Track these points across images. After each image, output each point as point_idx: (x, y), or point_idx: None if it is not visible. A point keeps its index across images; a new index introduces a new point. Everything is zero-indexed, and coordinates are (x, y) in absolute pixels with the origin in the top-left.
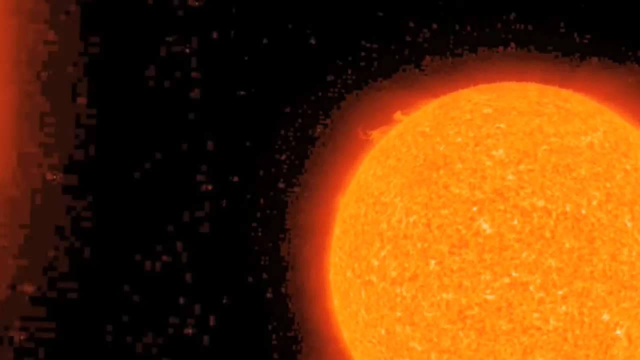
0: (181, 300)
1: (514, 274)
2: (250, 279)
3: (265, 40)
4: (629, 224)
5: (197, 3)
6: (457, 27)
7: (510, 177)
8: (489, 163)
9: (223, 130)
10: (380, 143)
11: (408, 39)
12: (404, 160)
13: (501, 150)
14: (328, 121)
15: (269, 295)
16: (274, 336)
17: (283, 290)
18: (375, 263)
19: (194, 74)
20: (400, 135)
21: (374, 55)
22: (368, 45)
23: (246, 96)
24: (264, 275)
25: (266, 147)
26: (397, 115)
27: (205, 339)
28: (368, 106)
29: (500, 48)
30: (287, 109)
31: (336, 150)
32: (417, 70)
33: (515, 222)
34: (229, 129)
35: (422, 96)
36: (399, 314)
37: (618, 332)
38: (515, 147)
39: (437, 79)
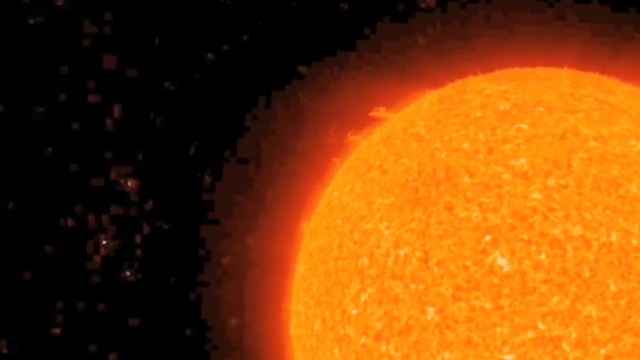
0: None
1: (540, 326)
2: (187, 332)
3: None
4: None
5: None
6: None
7: (536, 195)
8: (506, 176)
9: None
10: (360, 149)
11: (398, 8)
12: (392, 173)
13: (523, 160)
14: (288, 119)
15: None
16: None
17: (230, 347)
18: (353, 311)
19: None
20: (387, 138)
21: (352, 29)
22: (344, 17)
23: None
24: (205, 330)
25: (204, 153)
26: (381, 111)
27: None
28: (343, 99)
29: (522, 21)
30: (231, 98)
31: (299, 159)
32: (408, 50)
33: (543, 256)
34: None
35: (416, 86)
36: None
37: None
38: (542, 155)
39: (435, 62)
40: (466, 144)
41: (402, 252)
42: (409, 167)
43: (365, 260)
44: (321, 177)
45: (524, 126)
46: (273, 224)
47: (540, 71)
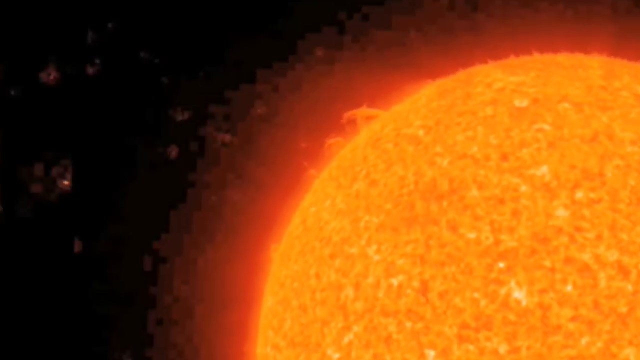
0: None
1: None
2: None
3: None
4: None
5: None
6: None
7: (561, 212)
8: (524, 189)
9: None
10: (342, 155)
11: None
12: (383, 184)
13: (545, 168)
14: (252, 119)
15: None
16: None
17: None
18: (335, 355)
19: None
20: (375, 142)
21: (327, 8)
22: None
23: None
24: None
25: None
26: (362, 112)
27: None
28: (319, 95)
29: None
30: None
31: (266, 167)
32: (399, 33)
33: (570, 287)
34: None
35: (410, 76)
36: None
37: None
38: (569, 162)
39: (434, 47)
40: (474, 149)
41: (395, 282)
42: (403, 177)
43: (349, 292)
44: (294, 189)
45: (546, 127)
46: (234, 246)
47: (565, 59)
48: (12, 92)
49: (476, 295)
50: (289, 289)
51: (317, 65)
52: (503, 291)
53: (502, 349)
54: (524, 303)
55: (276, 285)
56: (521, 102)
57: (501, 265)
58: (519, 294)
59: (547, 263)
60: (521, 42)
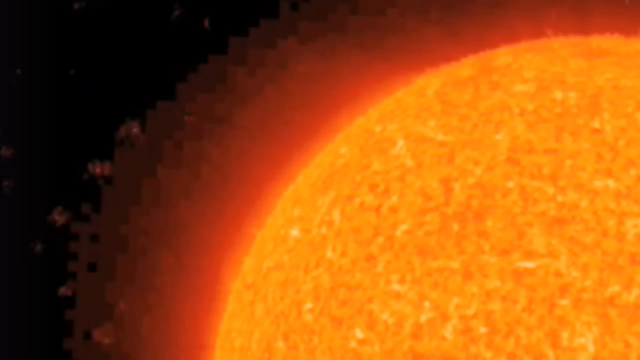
0: None
1: None
2: None
3: None
4: None
5: None
6: None
7: (634, 233)
8: (585, 204)
9: None
10: (324, 161)
11: None
12: (398, 197)
13: (611, 181)
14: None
15: None
16: None
17: None
18: None
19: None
20: (375, 145)
21: None
22: None
23: None
24: None
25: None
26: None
27: None
28: (293, 85)
29: None
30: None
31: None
32: (392, 11)
33: None
34: None
35: (405, 65)
36: None
37: None
38: None
39: (436, 28)
40: (516, 154)
41: (424, 318)
42: (425, 188)
43: (358, 333)
44: (259, 200)
45: (606, 127)
46: (187, 282)
47: (603, 42)
48: None
49: (532, 340)
50: (270, 326)
51: (292, 54)
52: (566, 335)
53: None
54: (592, 350)
55: (249, 325)
56: (566, 96)
57: (564, 302)
58: (586, 339)
59: (630, 297)
60: (546, 21)
